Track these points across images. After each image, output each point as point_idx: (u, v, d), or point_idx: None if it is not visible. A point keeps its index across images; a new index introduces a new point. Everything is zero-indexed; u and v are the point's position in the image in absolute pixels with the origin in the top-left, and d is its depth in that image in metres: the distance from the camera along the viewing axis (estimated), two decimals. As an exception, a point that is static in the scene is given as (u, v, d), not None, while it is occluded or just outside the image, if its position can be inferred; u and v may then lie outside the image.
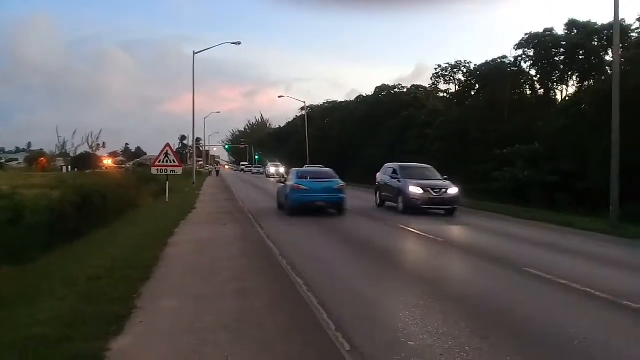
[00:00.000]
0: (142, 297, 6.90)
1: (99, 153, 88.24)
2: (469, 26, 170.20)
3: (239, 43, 41.43)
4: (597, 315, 6.66)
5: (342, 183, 18.36)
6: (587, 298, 7.42)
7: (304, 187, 17.72)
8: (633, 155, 19.49)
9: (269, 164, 63.12)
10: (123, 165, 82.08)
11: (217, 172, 79.04)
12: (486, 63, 37.93)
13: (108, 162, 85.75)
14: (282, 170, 52.42)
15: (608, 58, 29.67)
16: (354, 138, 53.63)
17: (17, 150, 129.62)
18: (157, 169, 23.04)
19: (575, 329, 5.89)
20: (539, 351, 5.29)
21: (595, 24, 31.81)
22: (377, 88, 57.94)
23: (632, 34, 28.66)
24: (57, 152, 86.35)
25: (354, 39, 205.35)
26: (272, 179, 46.30)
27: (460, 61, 42.63)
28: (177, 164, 23.21)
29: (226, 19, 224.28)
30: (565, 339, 5.61)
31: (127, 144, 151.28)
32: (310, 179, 18.29)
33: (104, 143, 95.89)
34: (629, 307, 6.94)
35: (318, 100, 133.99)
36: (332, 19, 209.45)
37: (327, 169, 20.05)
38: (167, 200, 22.82)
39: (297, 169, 20.46)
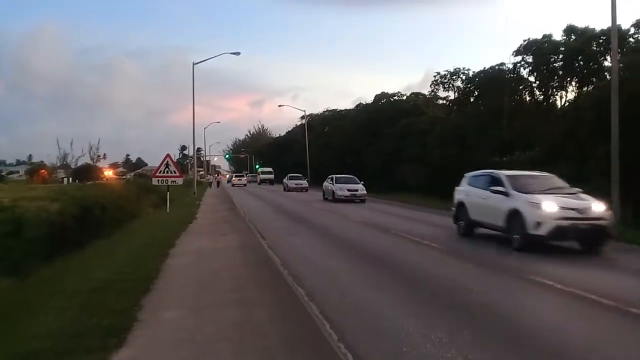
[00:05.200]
0: (144, 308, 6.87)
1: (99, 164, 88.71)
2: (478, 31, 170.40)
3: (239, 53, 41.69)
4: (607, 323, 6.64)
5: None
6: (596, 306, 7.40)
7: None
8: (633, 160, 19.51)
9: None
10: (124, 176, 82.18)
11: (218, 182, 73.11)
12: (484, 70, 38.08)
13: (109, 173, 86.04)
14: None
15: (607, 63, 29.72)
16: (354, 146, 53.67)
17: (18, 163, 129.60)
18: (158, 180, 23.06)
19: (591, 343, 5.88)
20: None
21: (593, 29, 31.92)
22: (376, 96, 58.09)
23: (630, 39, 28.79)
24: (58, 164, 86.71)
25: (363, 47, 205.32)
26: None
27: (459, 68, 42.79)
28: (177, 174, 23.23)
29: (233, 28, 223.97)
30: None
31: (127, 155, 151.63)
32: None
33: (104, 154, 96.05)
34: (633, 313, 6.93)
35: (323, 109, 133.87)
36: (340, 27, 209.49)
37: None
38: (167, 210, 22.82)
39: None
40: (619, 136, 17.62)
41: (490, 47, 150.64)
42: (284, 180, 48.95)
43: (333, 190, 30.76)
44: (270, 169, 71.58)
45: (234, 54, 41.39)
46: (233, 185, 63.49)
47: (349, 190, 30.33)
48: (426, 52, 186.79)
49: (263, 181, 68.38)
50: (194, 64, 40.87)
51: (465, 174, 15.63)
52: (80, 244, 13.57)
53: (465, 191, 14.77)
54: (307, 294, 7.76)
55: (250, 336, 5.81)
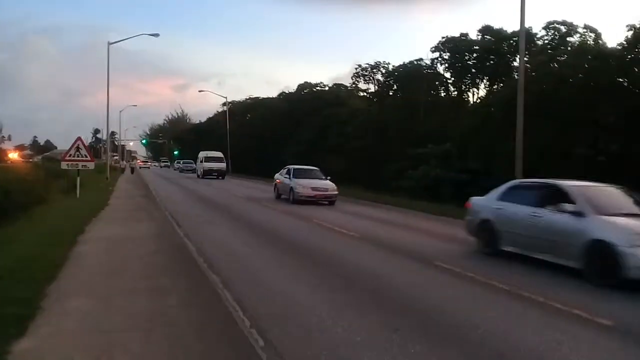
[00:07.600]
0: (48, 297, 6.59)
1: (3, 146, 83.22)
2: (400, 27, 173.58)
3: (157, 35, 40.35)
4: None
5: None
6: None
7: None
8: (536, 156, 20.84)
9: None
10: (31, 159, 77.42)
11: (132, 169, 65.34)
12: (404, 65, 39.21)
13: (14, 155, 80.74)
14: None
15: (516, 64, 31.47)
16: (275, 134, 53.65)
17: None
18: (67, 164, 22.03)
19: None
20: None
21: (506, 31, 33.69)
22: (299, 85, 58.41)
23: (538, 42, 30.60)
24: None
25: (293, 37, 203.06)
26: None
27: (380, 62, 43.80)
28: (89, 158, 22.27)
29: (156, 10, 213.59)
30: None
31: (35, 137, 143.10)
32: None
33: (9, 136, 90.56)
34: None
35: (246, 96, 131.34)
36: (270, 16, 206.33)
37: None
38: (77, 196, 21.84)
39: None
40: (523, 134, 18.68)
41: (416, 43, 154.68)
42: (278, 176, 25.09)
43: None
44: (220, 155, 48.89)
45: (153, 35, 40.04)
46: (140, 167, 78.47)
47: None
48: (354, 45, 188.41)
49: (208, 173, 45.43)
50: (109, 43, 39.14)
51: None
52: (-21, 231, 12.75)
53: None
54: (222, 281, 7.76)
55: (160, 324, 5.76)
